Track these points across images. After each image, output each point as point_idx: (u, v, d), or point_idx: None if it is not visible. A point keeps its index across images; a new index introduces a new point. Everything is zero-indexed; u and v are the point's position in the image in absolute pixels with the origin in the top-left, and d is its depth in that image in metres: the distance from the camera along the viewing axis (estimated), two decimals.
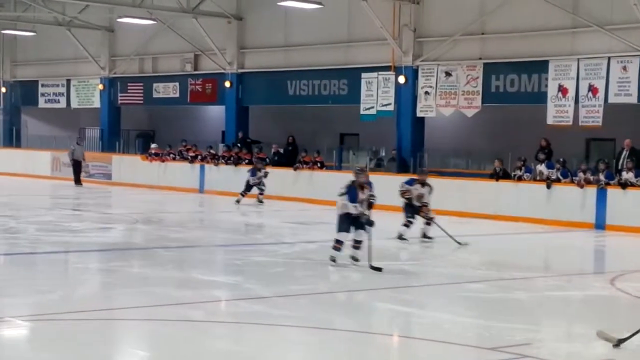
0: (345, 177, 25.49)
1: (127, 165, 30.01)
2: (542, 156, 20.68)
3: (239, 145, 27.13)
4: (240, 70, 28.11)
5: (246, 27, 27.99)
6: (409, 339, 8.66)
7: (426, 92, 23.41)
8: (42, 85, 35.32)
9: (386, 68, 24.05)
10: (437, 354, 8.05)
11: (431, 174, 21.19)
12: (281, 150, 26.46)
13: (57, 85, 34.66)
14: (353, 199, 12.33)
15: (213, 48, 28.06)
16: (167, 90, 30.66)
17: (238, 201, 22.87)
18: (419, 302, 10.56)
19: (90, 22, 31.72)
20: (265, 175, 23.08)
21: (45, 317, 8.77)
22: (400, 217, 15.87)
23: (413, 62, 23.55)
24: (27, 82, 36.15)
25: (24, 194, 26.10)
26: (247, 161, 26.07)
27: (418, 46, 23.62)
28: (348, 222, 12.42)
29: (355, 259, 12.53)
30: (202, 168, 27.26)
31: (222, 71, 28.35)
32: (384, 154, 25.85)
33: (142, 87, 31.55)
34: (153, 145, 29.63)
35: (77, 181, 29.14)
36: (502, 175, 21.04)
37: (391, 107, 24.08)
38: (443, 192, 18.30)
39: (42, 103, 35.51)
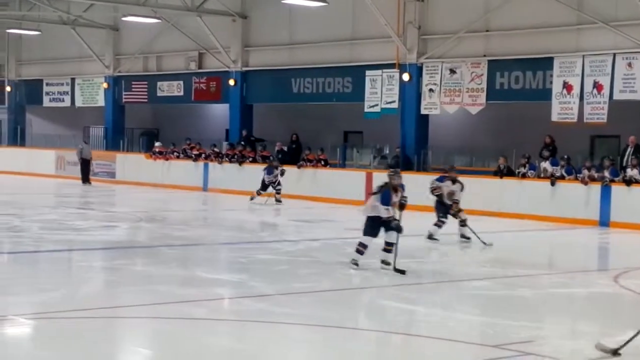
0: (349, 175, 25.26)
1: (131, 163, 30.03)
2: (546, 153, 20.65)
3: (242, 143, 27.11)
4: (244, 69, 28.10)
5: (250, 25, 27.98)
6: (414, 337, 8.63)
7: (430, 90, 23.38)
8: (47, 84, 35.35)
9: (390, 65, 24.01)
10: (442, 351, 8.04)
11: (435, 171, 21.20)
12: (285, 148, 26.42)
13: (62, 84, 34.69)
14: (386, 201, 11.89)
15: (217, 46, 28.05)
16: (171, 89, 30.66)
17: (252, 199, 22.70)
18: (424, 300, 10.53)
19: (94, 21, 31.78)
20: (282, 173, 22.75)
21: (48, 315, 8.77)
22: (424, 215, 15.79)
23: (417, 60, 23.52)
24: (31, 81, 36.20)
25: (28, 193, 26.16)
26: (250, 159, 26.06)
27: (422, 43, 23.58)
28: (377, 226, 11.96)
29: (386, 262, 12.00)
30: (206, 166, 27.24)
31: (227, 69, 28.33)
32: (388, 151, 25.81)
33: (146, 86, 31.57)
34: (157, 144, 29.65)
35: (86, 180, 29.12)
36: (506, 172, 21.01)
37: (395, 105, 24.04)
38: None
39: (46, 102, 35.55)
